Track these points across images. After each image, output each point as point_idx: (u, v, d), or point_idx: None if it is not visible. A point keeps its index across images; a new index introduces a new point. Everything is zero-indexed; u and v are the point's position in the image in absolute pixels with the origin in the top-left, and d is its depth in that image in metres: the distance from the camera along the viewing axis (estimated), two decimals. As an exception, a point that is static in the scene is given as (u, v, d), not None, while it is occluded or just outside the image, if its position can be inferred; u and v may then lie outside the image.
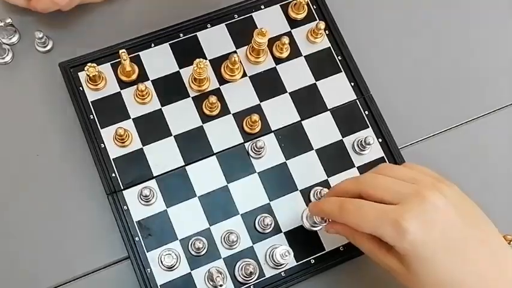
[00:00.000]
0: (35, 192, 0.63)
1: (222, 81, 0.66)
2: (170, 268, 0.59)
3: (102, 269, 0.61)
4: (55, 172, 0.63)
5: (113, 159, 0.62)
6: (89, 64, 0.61)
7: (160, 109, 0.65)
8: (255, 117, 0.62)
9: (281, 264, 0.60)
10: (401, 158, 0.66)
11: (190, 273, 0.60)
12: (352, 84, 0.68)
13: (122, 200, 0.61)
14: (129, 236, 0.60)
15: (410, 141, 0.69)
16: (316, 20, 0.70)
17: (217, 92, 0.66)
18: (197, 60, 0.61)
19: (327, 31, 0.69)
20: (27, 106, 0.65)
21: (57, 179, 0.63)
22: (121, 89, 0.65)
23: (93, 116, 0.63)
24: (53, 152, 0.64)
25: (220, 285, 0.57)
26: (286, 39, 0.65)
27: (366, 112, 0.67)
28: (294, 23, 0.69)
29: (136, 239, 0.60)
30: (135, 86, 0.63)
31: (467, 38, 0.74)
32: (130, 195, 0.61)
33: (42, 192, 0.63)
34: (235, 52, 0.67)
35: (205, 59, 0.66)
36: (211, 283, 0.59)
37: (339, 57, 0.69)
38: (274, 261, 0.60)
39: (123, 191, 0.62)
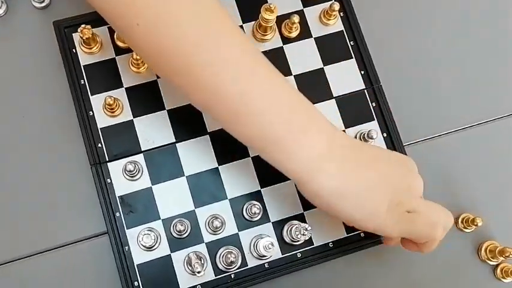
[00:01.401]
0: (16, 155, 0.60)
1: (224, 56, 0.63)
2: (149, 248, 0.57)
3: (79, 242, 0.59)
4: (39, 136, 0.60)
5: (100, 128, 0.59)
6: (83, 25, 0.57)
7: (156, 80, 0.61)
8: (254, 99, 0.59)
9: (264, 256, 0.57)
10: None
11: (170, 255, 0.58)
12: (362, 72, 0.64)
13: (106, 172, 0.58)
14: (109, 211, 0.58)
15: (417, 139, 0.65)
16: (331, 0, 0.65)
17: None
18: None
19: (341, 13, 0.65)
20: (16, 64, 0.62)
21: (40, 144, 0.60)
22: (116, 55, 0.61)
23: (84, 81, 0.60)
24: (39, 115, 0.61)
25: (198, 272, 0.54)
26: (296, 18, 0.61)
27: (373, 104, 0.63)
28: (307, 1, 0.65)
29: (117, 214, 0.58)
30: (131, 53, 0.59)
31: (493, 37, 0.69)
32: (115, 168, 0.59)
33: (23, 155, 0.60)
34: (240, 26, 0.63)
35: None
36: (189, 268, 0.57)
37: (352, 42, 0.65)
38: (257, 251, 0.57)
39: (108, 163, 0.59)
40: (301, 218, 0.60)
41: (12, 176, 0.60)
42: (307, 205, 0.60)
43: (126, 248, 0.57)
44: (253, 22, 0.63)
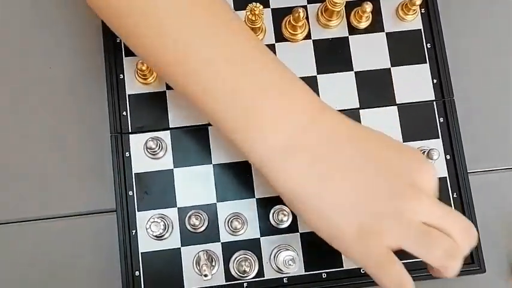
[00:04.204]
0: (35, 109, 0.55)
1: (280, 37, 0.55)
2: (158, 237, 0.51)
3: (83, 216, 0.53)
4: (62, 93, 0.55)
5: (128, 94, 0.53)
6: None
7: (199, 52, 0.54)
8: (304, 91, 0.51)
9: (282, 271, 0.50)
10: (467, 185, 0.53)
11: (179, 249, 0.51)
12: (435, 81, 0.55)
13: (126, 144, 0.52)
14: (122, 188, 0.52)
15: (485, 168, 0.56)
16: (414, -8, 0.57)
17: (270, 49, 0.54)
18: (252, 4, 0.50)
19: (422, 9, 0.57)
20: (49, 9, 0.57)
21: (62, 101, 0.55)
22: (160, 17, 0.55)
23: (120, 40, 0.54)
24: (67, 69, 0.55)
25: (205, 275, 0.48)
26: (368, 7, 0.53)
27: (441, 119, 0.55)
28: (385, -10, 0.57)
29: (130, 193, 0.52)
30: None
31: None
32: (137, 141, 0.52)
33: (42, 111, 0.55)
34: (304, 7, 0.55)
35: (268, 6, 0.55)
36: (198, 268, 0.50)
37: (429, 44, 0.56)
38: (276, 264, 0.50)
39: (130, 135, 0.53)
40: (334, 234, 0.52)
41: (27, 129, 0.54)
42: (343, 221, 0.52)
43: (133, 232, 0.51)
44: (319, 4, 0.56)
